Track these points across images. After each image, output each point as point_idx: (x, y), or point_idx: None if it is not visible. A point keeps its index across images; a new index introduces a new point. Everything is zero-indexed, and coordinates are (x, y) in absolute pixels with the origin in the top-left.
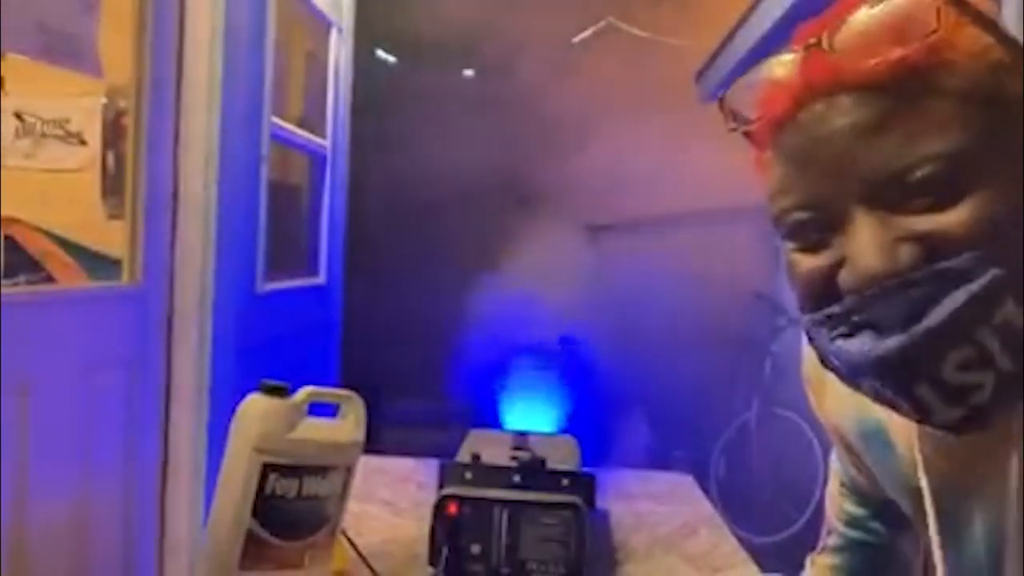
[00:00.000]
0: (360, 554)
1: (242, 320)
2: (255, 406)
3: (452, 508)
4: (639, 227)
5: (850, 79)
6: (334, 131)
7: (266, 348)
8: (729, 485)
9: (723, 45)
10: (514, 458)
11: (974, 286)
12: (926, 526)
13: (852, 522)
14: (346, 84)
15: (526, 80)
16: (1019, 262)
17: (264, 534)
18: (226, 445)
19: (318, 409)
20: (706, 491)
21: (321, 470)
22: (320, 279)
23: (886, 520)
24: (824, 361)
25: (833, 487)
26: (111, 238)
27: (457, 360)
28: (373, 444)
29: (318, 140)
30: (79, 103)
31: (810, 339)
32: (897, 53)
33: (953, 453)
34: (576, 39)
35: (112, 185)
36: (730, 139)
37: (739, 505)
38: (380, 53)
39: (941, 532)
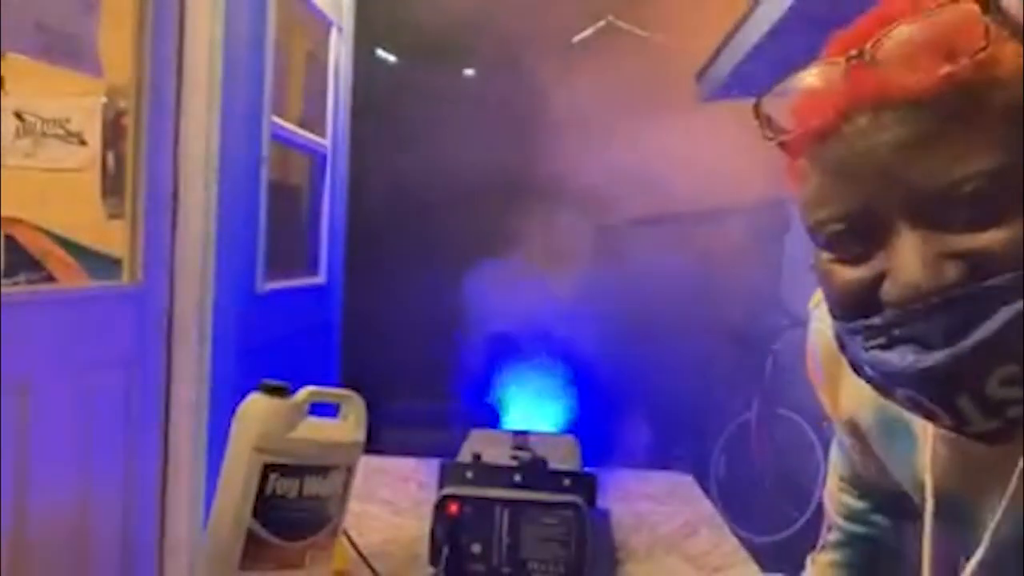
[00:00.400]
0: (361, 554)
1: (242, 320)
2: (255, 406)
3: (453, 508)
4: (641, 226)
5: (896, 94)
6: (334, 131)
7: (266, 348)
8: (729, 485)
9: (724, 45)
10: (515, 458)
11: (1019, 304)
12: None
13: (852, 516)
14: (346, 84)
15: (527, 79)
16: None
17: (265, 534)
18: (226, 445)
19: (319, 409)
20: (706, 491)
21: (322, 470)
22: (320, 279)
23: (888, 512)
24: (856, 368)
25: (832, 482)
26: (111, 238)
27: (458, 360)
28: (374, 444)
29: (318, 140)
30: (79, 103)
31: (841, 346)
32: (944, 69)
33: (968, 455)
34: (576, 38)
35: (112, 185)
36: (731, 139)
37: (739, 505)
38: (380, 53)
39: (935, 529)
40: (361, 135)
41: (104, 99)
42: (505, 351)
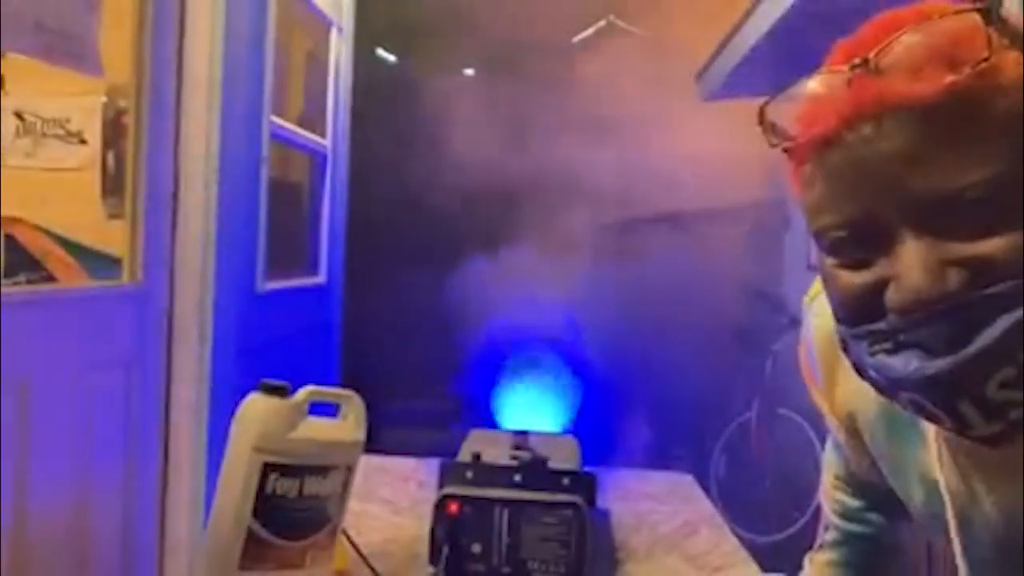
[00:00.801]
0: (361, 553)
1: (242, 320)
2: (255, 406)
3: (453, 507)
4: (640, 226)
5: (900, 103)
6: (334, 131)
7: (266, 348)
8: (729, 485)
9: (723, 44)
10: (515, 458)
11: (1019, 312)
12: (936, 518)
13: (848, 515)
14: (346, 84)
15: (527, 79)
16: None
17: (265, 534)
18: (226, 445)
19: (319, 409)
20: (706, 490)
21: (322, 470)
22: (320, 279)
23: (884, 510)
24: (860, 371)
25: (827, 481)
26: (111, 237)
27: (458, 359)
28: (373, 444)
29: (318, 140)
30: (79, 102)
31: (845, 350)
32: (947, 79)
33: (973, 454)
34: (576, 38)
35: (112, 184)
36: (731, 139)
37: (739, 505)
38: (380, 53)
39: (960, 529)
40: (361, 135)
41: (104, 99)
42: (505, 351)
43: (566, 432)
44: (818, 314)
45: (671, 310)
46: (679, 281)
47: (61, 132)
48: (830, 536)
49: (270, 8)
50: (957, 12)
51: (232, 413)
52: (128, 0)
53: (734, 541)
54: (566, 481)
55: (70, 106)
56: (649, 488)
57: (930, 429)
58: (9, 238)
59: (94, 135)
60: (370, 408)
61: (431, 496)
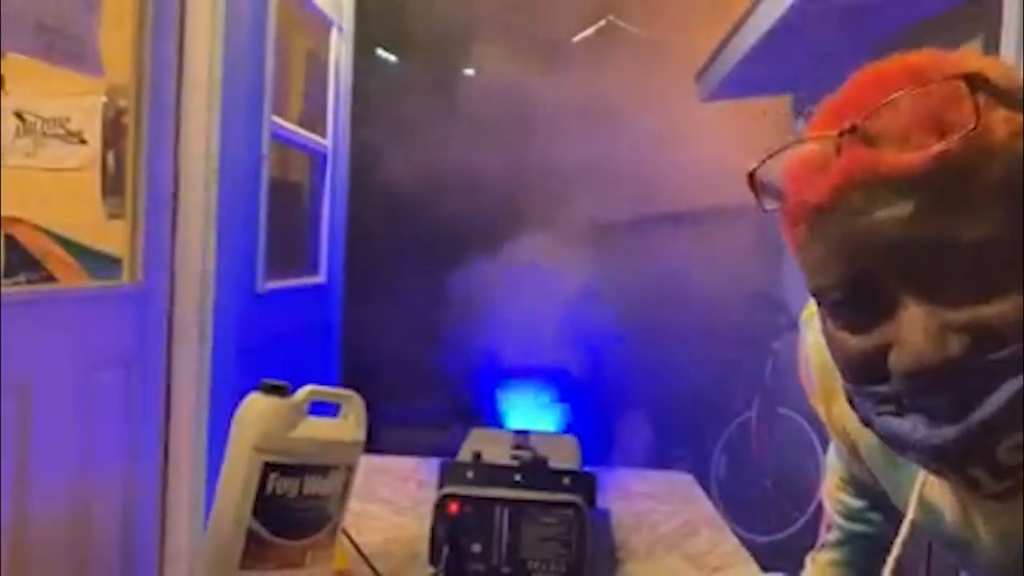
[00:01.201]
0: (361, 553)
1: (242, 319)
2: (256, 405)
3: (453, 507)
4: (640, 226)
5: (891, 174)
6: (334, 130)
7: (266, 347)
8: (730, 484)
9: (723, 45)
10: (515, 457)
11: (1021, 379)
12: (935, 536)
13: (851, 515)
14: (346, 83)
15: (527, 79)
16: None
17: (265, 533)
18: (226, 445)
19: (319, 408)
20: (707, 490)
21: (322, 469)
22: (320, 278)
23: (887, 510)
24: (868, 425)
25: (830, 482)
26: (111, 237)
27: (458, 359)
28: (374, 443)
29: (318, 140)
30: (79, 102)
31: (852, 405)
32: (937, 148)
33: (970, 502)
34: (576, 38)
35: (112, 184)
36: (731, 139)
37: (740, 504)
38: (380, 53)
39: (956, 551)
40: (361, 135)
41: (104, 99)
42: (506, 350)
43: (566, 432)
44: (814, 334)
45: (671, 310)
46: (679, 281)
47: (61, 132)
48: (832, 536)
49: (270, 8)
50: (942, 79)
51: (232, 413)
52: (128, 0)
53: (734, 541)
54: (566, 481)
55: (70, 106)
56: (649, 488)
57: None
58: (9, 238)
59: (94, 135)
60: (370, 408)
61: (431, 496)
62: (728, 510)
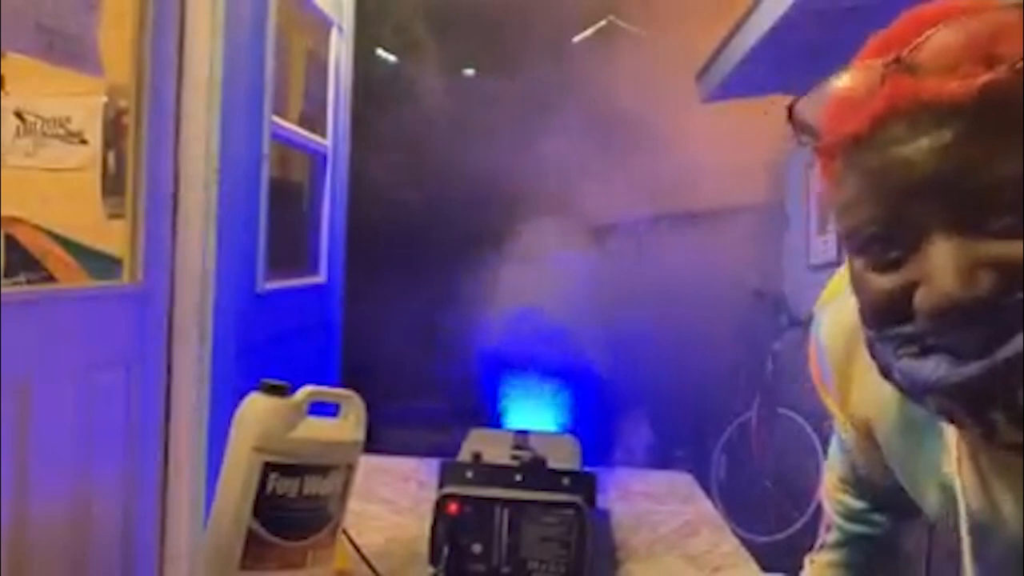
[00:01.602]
0: (361, 553)
1: (242, 319)
2: (255, 405)
3: (453, 507)
4: (640, 226)
5: (935, 102)
6: (334, 130)
7: (266, 347)
8: (730, 484)
9: (723, 45)
10: (515, 457)
11: None
12: (948, 521)
13: (852, 516)
14: (346, 83)
15: (527, 79)
16: None
17: (265, 534)
18: (226, 445)
19: (319, 408)
20: (707, 490)
21: (322, 469)
22: (320, 278)
23: (888, 511)
24: (885, 373)
25: (830, 482)
26: (111, 237)
27: (458, 359)
28: (374, 444)
29: (318, 140)
30: (80, 102)
31: (872, 352)
32: (984, 77)
33: (996, 461)
34: (577, 38)
35: (112, 184)
36: (730, 139)
37: (739, 505)
38: (380, 53)
39: (972, 531)
40: (361, 135)
41: (104, 99)
42: (505, 350)
43: (566, 432)
44: (832, 318)
45: (671, 310)
46: (679, 281)
47: (61, 132)
48: (832, 537)
49: (270, 8)
50: (993, 9)
51: (232, 413)
52: (128, 0)
53: (734, 541)
54: (566, 481)
55: (70, 106)
56: (649, 488)
57: (950, 434)
58: (9, 238)
59: (94, 135)
60: (370, 408)
61: (431, 496)
62: (728, 510)
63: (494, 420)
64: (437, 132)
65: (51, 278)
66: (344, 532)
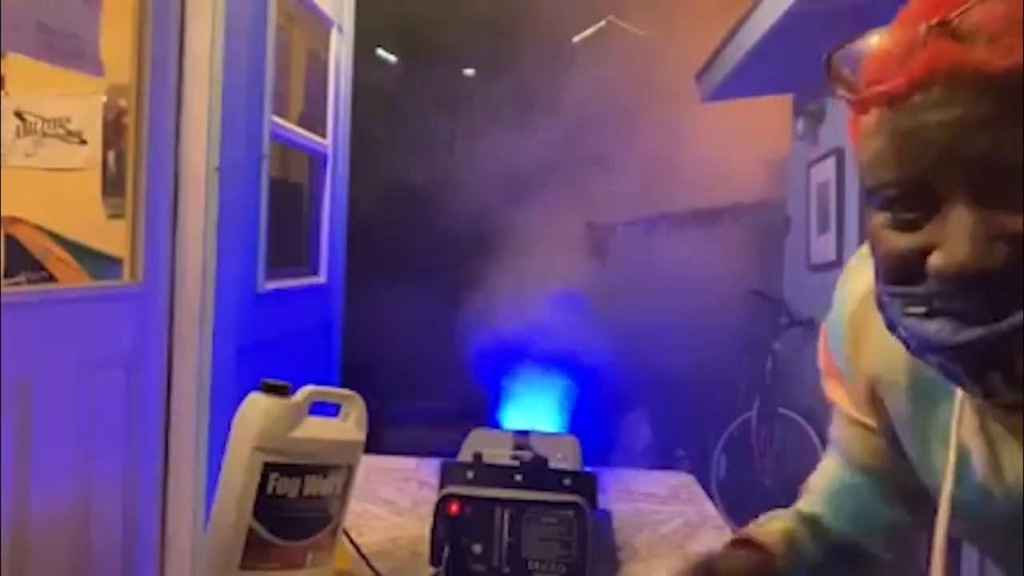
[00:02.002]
0: (362, 553)
1: (242, 320)
2: (256, 405)
3: (454, 507)
4: (641, 226)
5: (974, 71)
6: (334, 130)
7: (266, 347)
8: (730, 484)
9: (723, 45)
10: (516, 457)
11: None
12: (951, 488)
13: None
14: (347, 83)
15: (527, 78)
16: None
17: (265, 533)
18: (227, 445)
19: (319, 408)
20: (707, 490)
21: (322, 469)
22: (320, 278)
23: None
24: (891, 329)
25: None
26: (112, 237)
27: (458, 359)
28: (374, 444)
29: (318, 140)
30: (80, 102)
31: (881, 307)
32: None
33: (1002, 421)
34: (577, 38)
35: (112, 184)
36: (730, 139)
37: (739, 505)
38: (380, 53)
39: (976, 496)
40: (361, 135)
41: (104, 98)
42: (506, 350)
43: (567, 432)
44: (852, 279)
45: (672, 310)
46: (679, 281)
47: (61, 132)
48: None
49: (270, 8)
50: None
51: (232, 413)
52: (128, 0)
53: None
54: (567, 481)
55: (70, 106)
56: (650, 488)
57: (959, 395)
58: (9, 238)
59: (94, 135)
60: (370, 408)
61: (432, 496)
62: (728, 510)
63: (494, 420)
64: (437, 131)
65: (51, 278)
66: (344, 532)
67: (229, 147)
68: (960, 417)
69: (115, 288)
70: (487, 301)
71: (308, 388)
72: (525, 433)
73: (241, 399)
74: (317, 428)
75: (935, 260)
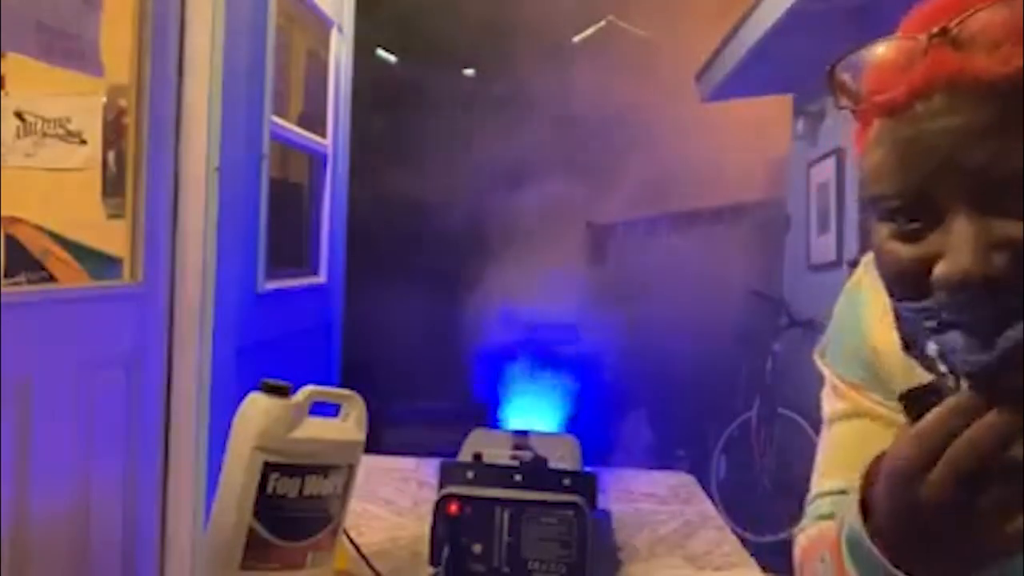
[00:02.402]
0: (362, 553)
1: (242, 320)
2: (256, 405)
3: (453, 507)
4: (641, 226)
5: (975, 79)
6: (334, 130)
7: (266, 347)
8: (730, 484)
9: (723, 45)
10: (515, 457)
11: None
12: None
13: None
14: (347, 83)
15: (527, 78)
16: None
17: (266, 534)
18: (227, 445)
19: (319, 409)
20: (707, 490)
21: (322, 469)
22: (320, 278)
23: None
24: (906, 346)
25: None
26: (112, 237)
27: (459, 359)
28: (374, 444)
29: (318, 140)
30: (80, 102)
31: (898, 320)
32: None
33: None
34: (577, 38)
35: (113, 184)
36: (730, 139)
37: (740, 505)
38: (380, 53)
39: None
40: (361, 135)
41: (104, 98)
42: (505, 350)
43: (566, 432)
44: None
45: (671, 310)
46: (679, 281)
47: (61, 132)
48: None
49: (270, 8)
50: None
51: (232, 413)
52: (128, 0)
53: (734, 541)
54: (567, 481)
55: (70, 106)
56: (650, 488)
57: None
58: (9, 238)
59: (94, 135)
60: (370, 408)
61: (432, 496)
62: (728, 510)
63: (494, 420)
64: (437, 131)
65: (51, 278)
66: (344, 532)
67: (229, 147)
68: None
69: (115, 288)
70: (487, 301)
71: (308, 388)
72: (525, 433)
73: (241, 399)
74: (317, 428)
75: (939, 270)
